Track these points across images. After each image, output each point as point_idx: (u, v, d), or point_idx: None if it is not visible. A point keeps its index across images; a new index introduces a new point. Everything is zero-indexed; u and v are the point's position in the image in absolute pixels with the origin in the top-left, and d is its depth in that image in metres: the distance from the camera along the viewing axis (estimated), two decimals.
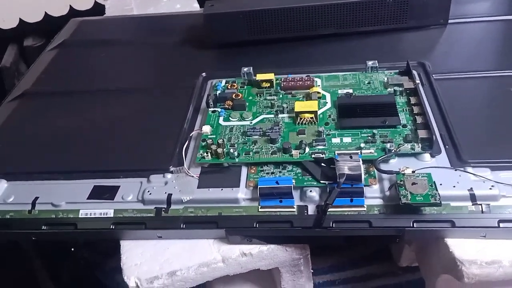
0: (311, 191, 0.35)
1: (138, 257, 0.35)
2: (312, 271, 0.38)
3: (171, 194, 0.36)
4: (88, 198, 0.37)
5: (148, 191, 0.36)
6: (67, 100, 0.51)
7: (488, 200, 0.33)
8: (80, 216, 0.36)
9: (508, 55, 0.50)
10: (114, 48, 0.61)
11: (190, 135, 0.41)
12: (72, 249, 0.56)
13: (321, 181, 0.35)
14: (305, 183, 0.35)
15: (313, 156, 0.37)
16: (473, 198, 0.33)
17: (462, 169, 0.35)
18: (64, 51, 0.61)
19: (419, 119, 0.39)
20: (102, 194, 0.37)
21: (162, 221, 0.35)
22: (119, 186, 0.37)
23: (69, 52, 0.61)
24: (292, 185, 0.34)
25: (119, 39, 0.63)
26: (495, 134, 0.39)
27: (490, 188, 0.33)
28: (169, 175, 0.38)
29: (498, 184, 0.33)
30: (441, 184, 0.33)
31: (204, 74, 0.51)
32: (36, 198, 0.37)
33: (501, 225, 0.32)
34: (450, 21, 0.55)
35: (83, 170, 0.39)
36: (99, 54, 0.59)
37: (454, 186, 0.33)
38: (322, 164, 0.36)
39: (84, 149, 0.43)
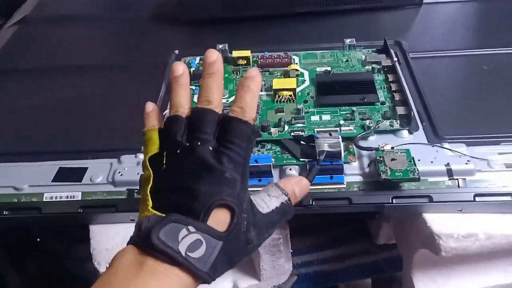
0: (290, 169, 0.34)
1: (109, 241, 0.33)
2: (291, 251, 0.38)
3: None
4: (53, 181, 0.35)
5: (119, 172, 0.35)
6: (28, 78, 0.48)
7: (464, 174, 0.33)
8: (44, 200, 0.34)
9: (481, 34, 0.51)
10: (80, 24, 0.57)
11: (164, 113, 0.40)
12: (38, 240, 0.54)
13: (301, 159, 0.34)
14: (284, 161, 0.35)
15: (292, 134, 0.36)
16: (449, 173, 0.33)
17: (439, 145, 0.35)
18: (25, 27, 0.57)
19: (397, 96, 0.39)
20: (69, 176, 0.35)
21: (135, 203, 0.33)
22: (87, 168, 0.35)
23: (31, 28, 0.57)
24: (272, 164, 0.34)
25: (85, 14, 0.59)
26: (470, 111, 0.39)
27: (466, 163, 0.33)
28: (141, 155, 0.36)
29: (474, 159, 0.34)
30: (419, 160, 0.33)
31: (176, 51, 0.49)
32: None
33: (477, 199, 0.32)
34: (425, 1, 0.56)
35: (47, 151, 0.37)
36: (63, 30, 0.56)
37: (431, 162, 0.34)
38: (302, 142, 0.35)
39: (48, 128, 0.40)
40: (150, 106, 0.25)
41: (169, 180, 0.22)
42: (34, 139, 0.39)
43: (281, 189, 0.24)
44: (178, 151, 0.22)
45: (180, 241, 0.20)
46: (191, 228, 0.20)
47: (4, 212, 0.33)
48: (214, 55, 0.24)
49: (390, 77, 0.41)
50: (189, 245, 0.20)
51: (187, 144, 0.23)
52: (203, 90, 0.24)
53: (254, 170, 0.33)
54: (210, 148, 0.22)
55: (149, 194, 0.22)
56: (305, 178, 0.26)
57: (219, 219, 0.21)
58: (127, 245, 0.21)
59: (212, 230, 0.20)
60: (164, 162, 0.23)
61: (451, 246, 0.31)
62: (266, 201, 0.24)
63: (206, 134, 0.22)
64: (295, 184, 0.25)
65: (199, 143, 0.22)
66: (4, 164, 0.36)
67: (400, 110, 0.37)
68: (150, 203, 0.22)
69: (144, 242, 0.20)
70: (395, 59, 0.43)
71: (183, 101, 0.24)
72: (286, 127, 0.37)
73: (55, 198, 0.34)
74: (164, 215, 0.21)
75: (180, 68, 0.25)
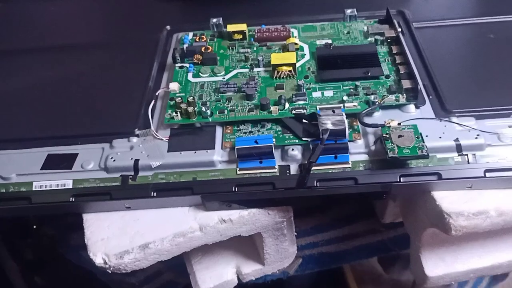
0: (293, 149, 0.32)
1: (105, 230, 0.32)
2: (295, 233, 0.37)
3: (138, 160, 0.33)
4: (42, 169, 0.33)
5: (112, 158, 0.33)
6: (12, 59, 0.45)
7: (474, 150, 0.32)
8: (34, 189, 0.32)
9: (487, 1, 0.49)
10: (67, 1, 0.54)
11: (156, 93, 0.38)
12: (34, 227, 0.53)
13: (303, 139, 0.33)
14: (286, 142, 0.33)
15: (293, 112, 0.34)
16: (459, 148, 0.32)
17: (447, 119, 0.34)
18: (7, 5, 0.54)
19: (402, 69, 0.37)
20: (58, 163, 0.33)
21: (130, 190, 0.32)
22: (77, 154, 0.34)
23: (12, 6, 0.54)
24: (273, 144, 0.32)
25: None
26: (478, 82, 0.38)
27: (476, 138, 0.32)
28: (134, 139, 0.34)
29: (484, 133, 0.32)
30: (427, 136, 0.32)
31: (168, 27, 0.46)
32: None
33: (487, 174, 0.31)
34: None
35: (35, 137, 0.35)
36: (49, 7, 0.53)
37: (440, 137, 0.32)
38: (304, 120, 0.34)
39: (35, 113, 0.38)
40: None
41: None
42: (20, 124, 0.37)
43: None
44: None
45: None
46: None
47: None
48: None
49: (394, 49, 0.39)
50: None
51: None
52: None
53: (255, 151, 0.32)
54: None
55: None
56: None
57: None
58: None
59: None
60: None
61: (461, 225, 0.30)
62: None
63: None
64: None
65: None
66: None
67: (406, 83, 0.35)
68: None
69: None
70: (399, 29, 0.41)
71: None
72: (287, 105, 0.35)
73: (45, 187, 0.32)
74: None
75: None
